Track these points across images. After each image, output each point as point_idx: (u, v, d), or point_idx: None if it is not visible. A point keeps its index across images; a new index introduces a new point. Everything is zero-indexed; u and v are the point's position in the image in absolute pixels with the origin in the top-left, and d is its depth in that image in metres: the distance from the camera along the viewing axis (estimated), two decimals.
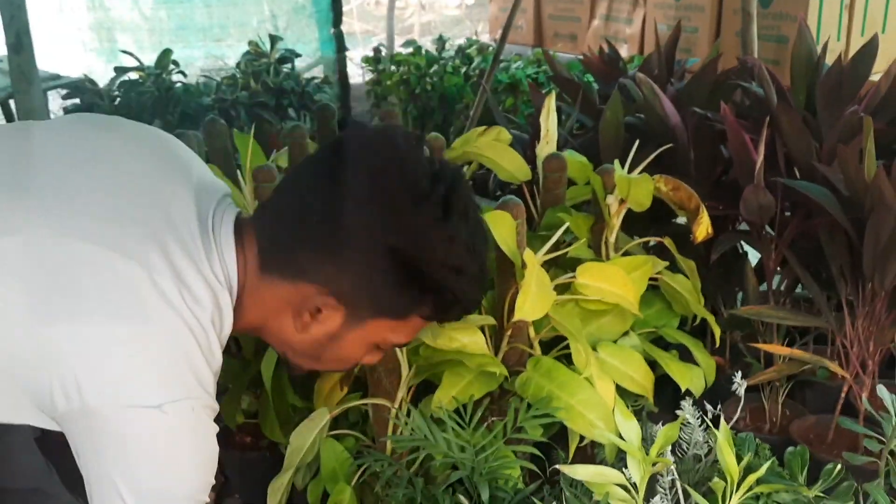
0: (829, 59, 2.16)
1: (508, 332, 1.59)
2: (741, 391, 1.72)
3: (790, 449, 1.44)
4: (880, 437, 1.49)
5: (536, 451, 1.45)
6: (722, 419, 1.40)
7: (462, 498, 1.39)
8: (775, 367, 1.79)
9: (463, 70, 4.43)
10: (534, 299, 1.42)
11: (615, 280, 1.59)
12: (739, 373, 1.75)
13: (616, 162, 1.72)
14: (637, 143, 1.83)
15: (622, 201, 1.77)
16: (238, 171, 2.17)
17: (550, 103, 1.95)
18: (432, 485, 1.45)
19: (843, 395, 1.87)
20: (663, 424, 1.67)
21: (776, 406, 2.00)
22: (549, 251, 1.56)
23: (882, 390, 1.50)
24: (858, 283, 1.80)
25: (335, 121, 2.44)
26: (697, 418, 1.63)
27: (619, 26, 4.75)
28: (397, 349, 1.51)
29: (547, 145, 1.92)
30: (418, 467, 1.48)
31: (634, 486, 1.36)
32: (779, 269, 1.99)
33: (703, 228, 1.70)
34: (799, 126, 1.86)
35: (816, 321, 1.79)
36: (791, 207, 1.94)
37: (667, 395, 1.75)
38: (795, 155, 1.91)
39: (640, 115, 2.33)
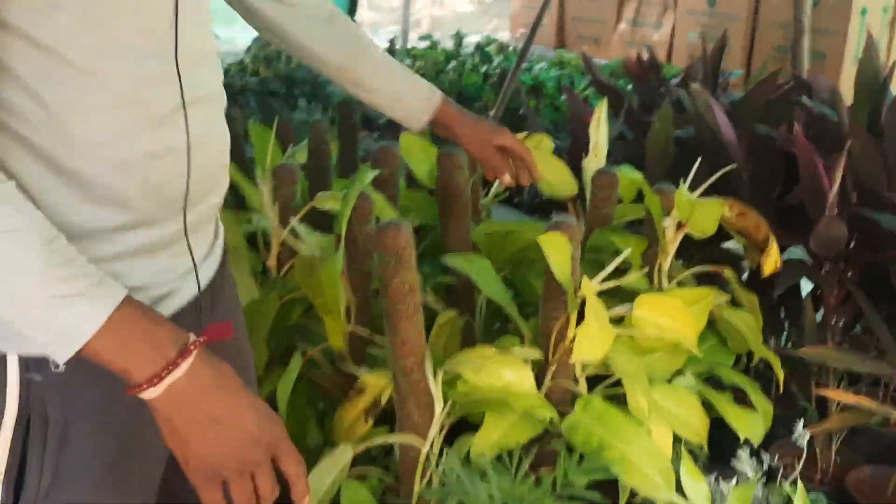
0: None
1: (553, 367, 1.42)
2: (803, 441, 1.56)
3: None
4: None
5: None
6: (800, 485, 1.23)
7: None
8: (838, 416, 1.63)
9: (483, 69, 4.25)
10: (594, 337, 1.26)
11: (675, 314, 1.42)
12: (801, 422, 1.59)
13: (682, 183, 1.55)
14: (698, 160, 1.66)
15: (680, 225, 1.61)
16: (250, 164, 2.01)
17: (602, 113, 1.78)
18: None
19: None
20: (716, 476, 1.52)
21: (829, 454, 1.84)
22: (604, 279, 1.40)
23: None
24: None
25: (357, 116, 2.27)
26: (761, 474, 1.47)
27: (645, 31, 4.58)
28: (431, 383, 1.34)
29: (595, 158, 1.76)
30: None
31: None
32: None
33: (771, 261, 1.53)
34: (872, 152, 1.70)
35: (888, 369, 1.63)
36: (857, 239, 1.77)
37: (711, 439, 1.58)
38: (865, 182, 1.74)
39: (688, 127, 2.18)
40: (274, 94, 3.99)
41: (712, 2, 4.24)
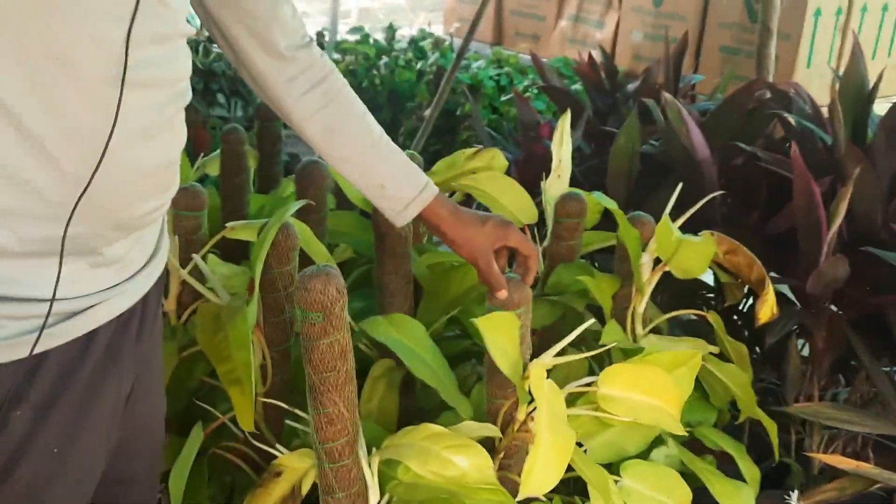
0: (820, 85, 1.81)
1: (501, 455, 1.16)
2: None
3: None
4: None
5: None
6: None
7: None
8: (837, 485, 1.42)
9: (418, 65, 3.97)
10: (546, 460, 0.98)
11: (654, 387, 1.14)
12: (795, 494, 1.37)
13: (665, 215, 1.30)
14: (679, 185, 1.42)
15: (658, 262, 1.37)
16: None
17: (565, 127, 1.52)
18: None
19: None
20: None
21: None
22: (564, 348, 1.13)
23: None
24: None
25: (280, 122, 1.98)
26: None
27: (588, 29, 4.36)
28: (365, 469, 1.07)
29: (559, 180, 1.50)
30: None
31: None
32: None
33: (767, 308, 1.31)
34: (872, 180, 1.49)
35: (889, 427, 1.42)
36: (851, 278, 1.56)
37: None
38: (860, 212, 1.53)
39: (653, 142, 1.95)
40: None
41: (658, 1, 4.05)
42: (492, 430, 1.14)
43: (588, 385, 1.14)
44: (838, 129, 1.55)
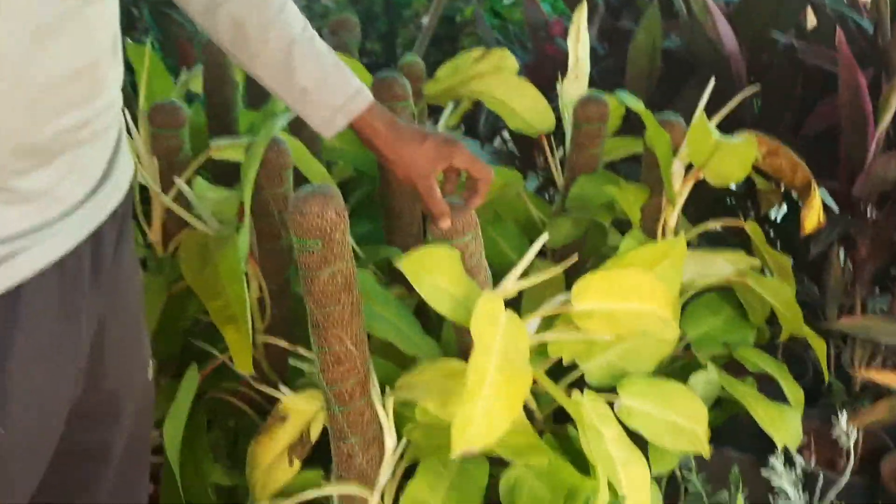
0: None
1: None
2: (848, 442, 1.24)
3: None
4: None
5: None
6: None
7: None
8: (889, 404, 1.31)
9: None
10: (492, 406, 0.84)
11: (634, 290, 1.02)
12: (844, 415, 1.27)
13: (701, 114, 1.17)
14: (711, 81, 1.28)
15: (691, 169, 1.24)
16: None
17: (581, 20, 1.38)
18: None
19: None
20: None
21: (856, 436, 1.54)
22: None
23: None
24: None
25: None
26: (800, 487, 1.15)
27: None
28: (380, 411, 0.97)
29: (577, 80, 1.36)
30: None
31: None
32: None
33: (814, 215, 1.18)
34: None
35: None
36: None
37: None
38: None
39: (674, 37, 1.79)
40: (172, 5, 3.43)
41: None
42: None
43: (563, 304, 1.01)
44: (883, 13, 1.40)
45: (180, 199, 1.19)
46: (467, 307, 0.91)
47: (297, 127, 1.42)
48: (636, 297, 1.02)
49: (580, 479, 1.00)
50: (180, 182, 1.14)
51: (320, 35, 1.00)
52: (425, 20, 3.35)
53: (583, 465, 1.03)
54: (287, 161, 1.11)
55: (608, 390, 1.10)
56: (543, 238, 1.00)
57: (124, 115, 1.26)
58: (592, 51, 1.97)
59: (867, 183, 1.27)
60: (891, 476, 1.46)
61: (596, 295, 1.00)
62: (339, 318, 0.92)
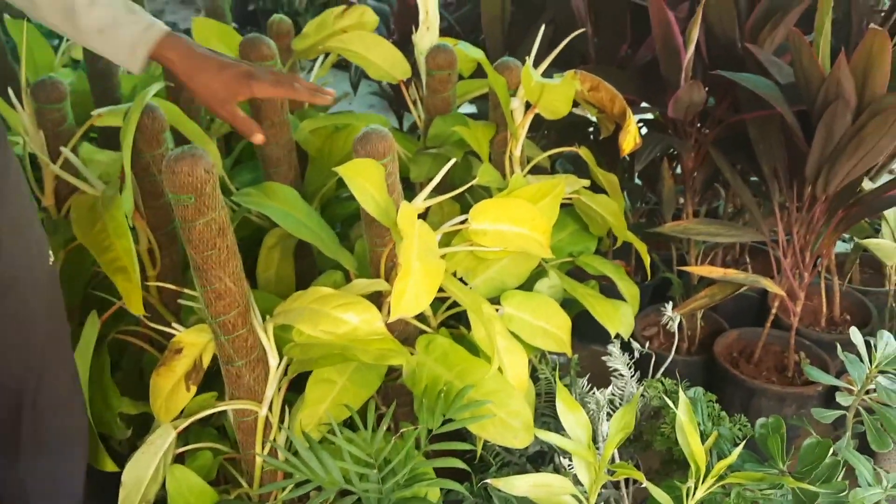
0: None
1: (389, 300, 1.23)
2: (674, 326, 1.46)
3: (762, 421, 1.19)
4: (850, 387, 1.27)
5: (462, 465, 1.12)
6: (682, 397, 1.12)
7: None
8: (707, 292, 1.54)
9: None
10: (418, 285, 1.05)
11: (521, 217, 1.23)
12: (670, 304, 1.49)
13: (527, 59, 1.33)
14: (542, 25, 1.44)
15: (529, 106, 1.41)
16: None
17: None
18: None
19: (773, 311, 1.66)
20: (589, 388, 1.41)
21: (694, 321, 1.77)
22: (434, 191, 1.18)
23: (854, 333, 1.27)
24: (794, 186, 1.55)
25: None
26: (634, 370, 1.37)
27: None
28: (261, 335, 1.13)
29: (428, 32, 1.51)
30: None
31: (585, 494, 1.08)
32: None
33: (630, 139, 1.37)
34: (729, 2, 1.53)
35: (753, 234, 1.53)
36: (715, 99, 1.64)
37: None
38: (718, 36, 1.58)
39: None
40: None
41: None
42: (380, 285, 1.20)
43: (461, 224, 1.21)
44: None
45: (69, 165, 1.30)
46: (388, 213, 1.10)
47: (176, 90, 1.55)
48: (521, 222, 1.23)
49: (472, 360, 1.18)
50: (66, 151, 1.26)
51: None
52: None
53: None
54: (162, 125, 1.24)
55: (492, 302, 1.29)
56: (450, 163, 1.18)
57: (8, 92, 1.37)
58: (447, 3, 2.13)
59: (678, 106, 1.46)
60: (721, 353, 1.70)
61: (490, 217, 1.21)
62: (217, 260, 1.07)
